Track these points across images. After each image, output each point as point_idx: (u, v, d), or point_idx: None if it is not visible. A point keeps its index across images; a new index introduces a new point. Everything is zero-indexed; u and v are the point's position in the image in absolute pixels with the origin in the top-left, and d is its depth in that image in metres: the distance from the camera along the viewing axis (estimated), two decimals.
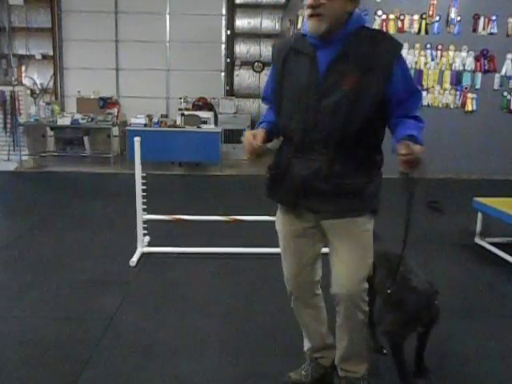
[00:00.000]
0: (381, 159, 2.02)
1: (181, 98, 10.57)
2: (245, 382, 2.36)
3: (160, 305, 3.18)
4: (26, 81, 11.12)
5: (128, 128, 8.78)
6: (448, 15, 8.24)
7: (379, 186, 2.03)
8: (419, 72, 8.37)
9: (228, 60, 11.43)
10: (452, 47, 8.30)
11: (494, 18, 8.23)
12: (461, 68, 8.38)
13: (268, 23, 11.49)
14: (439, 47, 8.30)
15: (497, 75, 8.41)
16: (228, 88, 11.49)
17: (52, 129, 9.64)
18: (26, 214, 5.46)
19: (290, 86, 1.95)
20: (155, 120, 8.88)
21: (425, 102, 8.44)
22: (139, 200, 4.02)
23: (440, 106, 8.48)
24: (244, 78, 11.60)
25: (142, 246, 4.09)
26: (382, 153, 2.02)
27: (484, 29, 8.28)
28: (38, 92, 10.95)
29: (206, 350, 2.61)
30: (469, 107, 8.49)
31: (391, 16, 8.24)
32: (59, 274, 3.66)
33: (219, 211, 5.36)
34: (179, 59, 11.19)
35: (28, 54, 11.32)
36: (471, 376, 2.45)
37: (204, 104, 10.39)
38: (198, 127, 8.75)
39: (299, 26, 8.29)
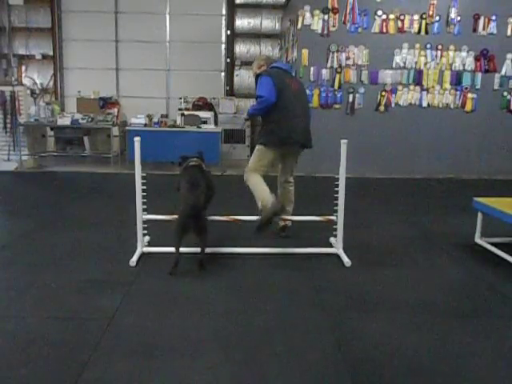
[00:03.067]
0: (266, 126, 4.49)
1: (181, 98, 10.58)
2: (244, 382, 2.36)
3: (160, 305, 3.18)
4: (26, 81, 11.13)
5: (128, 128, 8.78)
6: (448, 15, 8.24)
7: (263, 133, 4.49)
8: (419, 72, 8.38)
9: (228, 60, 11.44)
10: (452, 47, 8.30)
11: (493, 17, 8.24)
12: (461, 68, 8.38)
13: (268, 23, 11.50)
14: (439, 47, 8.31)
15: (497, 75, 8.42)
16: (228, 88, 11.50)
17: (52, 129, 9.65)
18: (26, 214, 5.46)
19: None
20: (155, 120, 8.88)
21: (425, 103, 8.46)
22: (139, 200, 4.02)
23: (440, 106, 8.49)
24: (244, 78, 11.61)
25: (142, 246, 4.09)
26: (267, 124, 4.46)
27: (484, 29, 8.29)
28: (38, 92, 10.95)
29: (205, 350, 2.61)
30: (469, 107, 8.49)
31: (391, 16, 8.25)
32: (59, 273, 3.66)
33: (219, 211, 5.36)
34: (179, 59, 11.20)
35: (28, 54, 11.33)
36: (471, 376, 2.45)
37: (204, 104, 10.39)
38: (198, 127, 8.76)
39: (299, 26, 8.29)
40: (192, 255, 4.11)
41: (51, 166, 8.93)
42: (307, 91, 8.08)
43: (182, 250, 4.14)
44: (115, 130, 9.49)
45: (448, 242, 4.67)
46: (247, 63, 11.50)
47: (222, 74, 11.59)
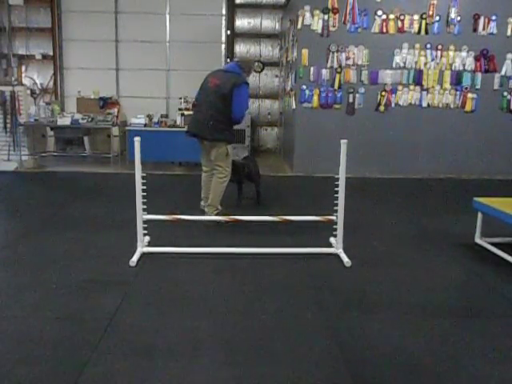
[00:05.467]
0: None
1: (181, 98, 10.56)
2: (244, 382, 2.36)
3: (160, 305, 3.18)
4: (26, 81, 11.12)
5: (128, 128, 8.78)
6: (448, 15, 8.24)
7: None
8: (419, 72, 8.37)
9: (228, 60, 11.43)
10: (452, 47, 8.30)
11: (493, 18, 8.23)
12: (461, 68, 8.38)
13: (268, 23, 11.49)
14: (439, 47, 8.30)
15: (497, 75, 8.41)
16: None
17: (52, 129, 9.64)
18: (26, 214, 5.46)
19: None
20: (155, 120, 8.88)
21: (425, 102, 8.46)
22: (139, 200, 4.02)
23: (440, 106, 8.49)
24: None
25: (142, 246, 4.09)
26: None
27: (484, 29, 8.29)
28: (38, 92, 10.95)
29: (205, 350, 2.61)
30: (469, 107, 8.49)
31: (391, 16, 8.24)
32: (59, 274, 3.66)
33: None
34: (179, 59, 11.19)
35: (28, 53, 11.31)
36: (471, 376, 2.45)
37: None
38: None
39: (299, 26, 8.29)
40: (193, 255, 4.12)
41: (51, 165, 8.93)
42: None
43: (180, 249, 4.17)
44: (115, 130, 9.49)
45: (448, 241, 4.67)
46: None
47: None
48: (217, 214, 5.01)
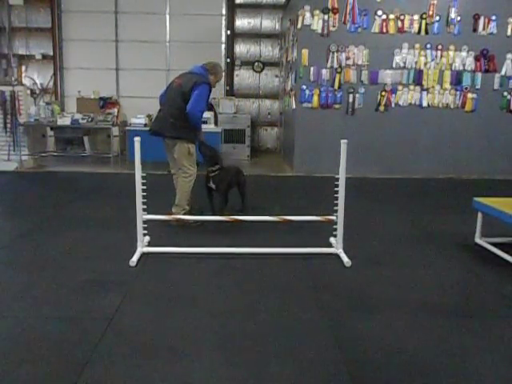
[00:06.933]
0: None
1: None
2: (244, 382, 2.36)
3: (160, 305, 3.18)
4: (26, 81, 11.12)
5: (128, 128, 8.78)
6: (448, 15, 8.24)
7: None
8: (419, 72, 8.37)
9: (228, 60, 11.44)
10: (452, 47, 8.30)
11: (493, 18, 8.23)
12: (461, 68, 8.38)
13: (268, 23, 11.50)
14: (439, 47, 8.30)
15: (497, 75, 8.42)
16: (228, 88, 11.49)
17: (52, 129, 9.65)
18: (26, 214, 5.46)
19: None
20: None
21: (425, 102, 8.46)
22: (139, 200, 4.02)
23: (440, 106, 8.49)
24: (244, 77, 11.61)
25: (142, 246, 4.09)
26: None
27: (484, 29, 8.29)
28: (38, 92, 10.95)
29: (206, 350, 2.61)
30: (469, 107, 8.49)
31: (391, 16, 8.24)
32: (59, 273, 3.66)
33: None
34: (179, 59, 11.18)
35: (28, 54, 11.32)
36: (471, 376, 2.45)
37: None
38: None
39: (299, 26, 8.29)
40: (193, 255, 4.12)
41: (51, 165, 8.93)
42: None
43: (180, 249, 4.17)
44: (115, 130, 9.50)
45: (448, 241, 4.67)
46: (247, 63, 11.51)
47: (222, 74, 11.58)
48: (183, 215, 4.99)
